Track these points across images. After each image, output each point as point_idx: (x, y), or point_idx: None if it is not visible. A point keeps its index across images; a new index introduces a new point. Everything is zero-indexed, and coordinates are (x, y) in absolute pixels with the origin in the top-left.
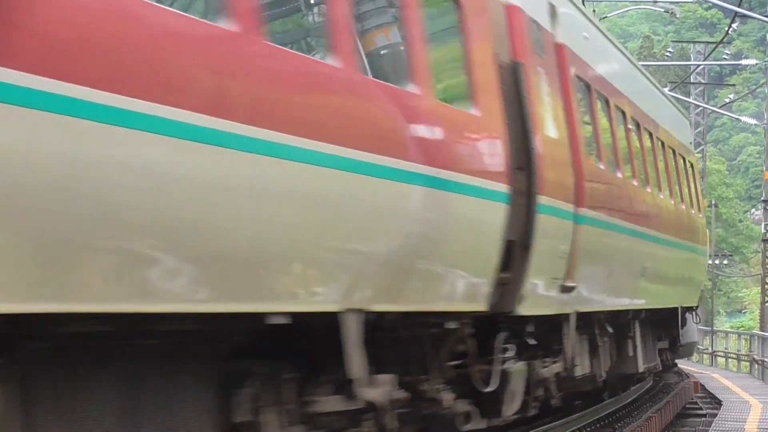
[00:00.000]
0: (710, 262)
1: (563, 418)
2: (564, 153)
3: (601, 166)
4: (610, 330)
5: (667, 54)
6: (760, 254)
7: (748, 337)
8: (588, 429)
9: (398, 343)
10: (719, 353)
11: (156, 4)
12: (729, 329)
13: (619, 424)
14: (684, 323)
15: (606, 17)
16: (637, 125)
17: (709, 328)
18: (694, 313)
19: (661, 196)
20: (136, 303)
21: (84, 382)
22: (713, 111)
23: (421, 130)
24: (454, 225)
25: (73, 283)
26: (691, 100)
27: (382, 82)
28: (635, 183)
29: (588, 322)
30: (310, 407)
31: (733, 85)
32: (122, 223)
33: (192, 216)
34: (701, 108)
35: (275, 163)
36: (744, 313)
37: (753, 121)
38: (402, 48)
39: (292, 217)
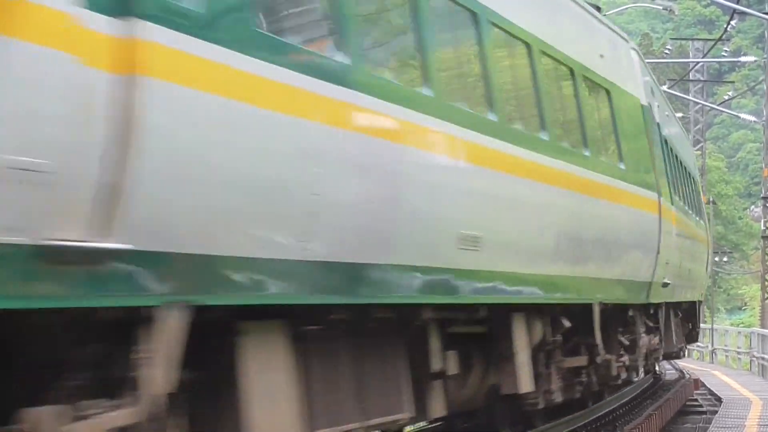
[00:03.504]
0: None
1: (563, 417)
2: None
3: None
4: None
5: (666, 51)
6: (760, 251)
7: (748, 334)
8: (589, 427)
9: None
10: (719, 350)
11: None
12: (729, 326)
13: (620, 422)
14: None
15: (605, 15)
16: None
17: (708, 326)
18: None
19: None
20: None
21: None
22: (712, 108)
23: None
24: None
25: None
26: (690, 97)
27: None
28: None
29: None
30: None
31: (732, 82)
32: None
33: None
34: (700, 105)
35: None
36: (744, 310)
37: (752, 118)
38: None
39: None
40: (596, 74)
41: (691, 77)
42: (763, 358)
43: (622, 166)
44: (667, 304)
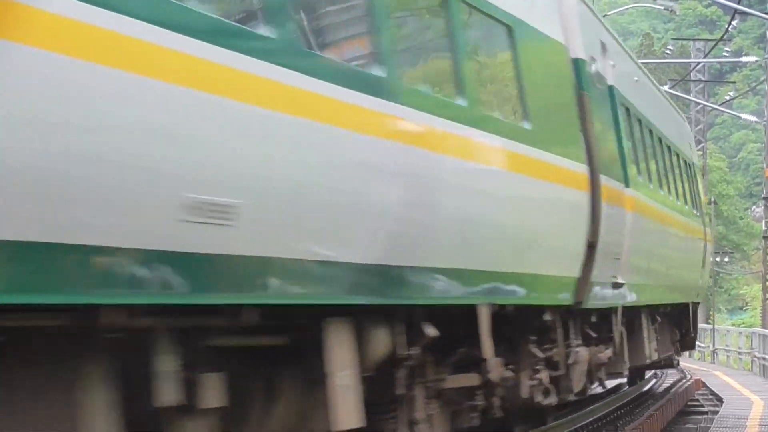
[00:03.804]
0: (711, 259)
1: (566, 416)
2: None
3: None
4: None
5: (667, 51)
6: (761, 251)
7: (750, 335)
8: (590, 427)
9: None
10: (720, 350)
11: None
12: (730, 326)
13: (621, 422)
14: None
15: (606, 15)
16: None
17: (710, 326)
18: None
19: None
20: None
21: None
22: (713, 108)
23: None
24: None
25: None
26: (691, 97)
27: None
28: None
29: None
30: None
31: (734, 82)
32: None
33: None
34: (701, 105)
35: None
36: (745, 310)
37: (753, 119)
38: None
39: None
40: (487, 3)
41: (692, 77)
42: (764, 359)
43: (527, 126)
44: (630, 307)
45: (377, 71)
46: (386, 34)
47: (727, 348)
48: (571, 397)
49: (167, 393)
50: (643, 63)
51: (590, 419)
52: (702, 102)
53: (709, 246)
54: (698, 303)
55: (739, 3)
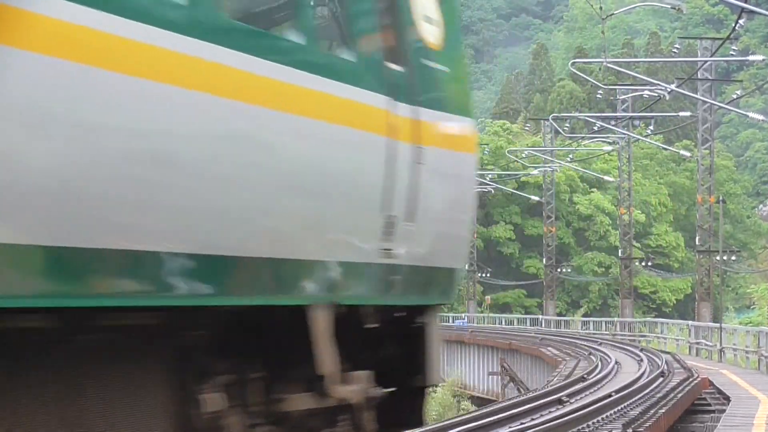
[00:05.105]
0: (717, 258)
1: (572, 413)
2: None
3: None
4: None
5: (674, 50)
6: None
7: (757, 333)
8: (596, 424)
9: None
10: (728, 349)
11: None
12: (737, 325)
13: (629, 420)
14: None
15: (613, 14)
16: None
17: (717, 324)
18: None
19: None
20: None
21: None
22: (720, 107)
23: None
24: None
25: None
26: (698, 96)
27: None
28: None
29: None
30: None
31: (741, 81)
32: None
33: None
34: (708, 104)
35: None
36: (752, 308)
37: (760, 117)
38: None
39: None
40: None
41: (699, 76)
42: None
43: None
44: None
45: None
46: None
47: (734, 347)
48: None
49: None
50: (649, 61)
51: (597, 417)
52: (709, 101)
53: (421, 153)
54: (432, 317)
55: (746, 2)
